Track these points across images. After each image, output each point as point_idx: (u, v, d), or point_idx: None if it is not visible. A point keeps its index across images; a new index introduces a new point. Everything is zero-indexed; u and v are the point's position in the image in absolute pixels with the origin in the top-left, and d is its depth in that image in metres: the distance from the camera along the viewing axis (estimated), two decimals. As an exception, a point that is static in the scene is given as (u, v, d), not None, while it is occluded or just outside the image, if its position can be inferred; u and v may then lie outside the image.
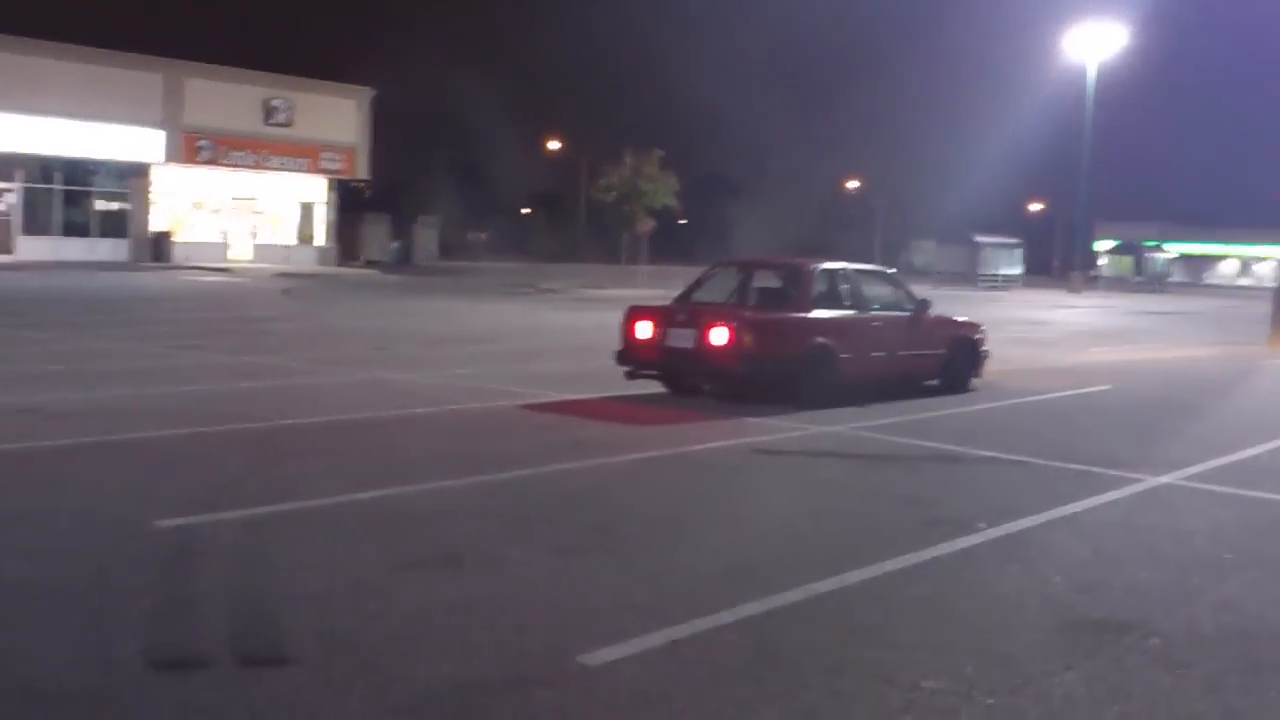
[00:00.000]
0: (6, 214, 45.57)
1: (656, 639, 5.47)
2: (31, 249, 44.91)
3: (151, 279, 38.45)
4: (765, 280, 15.04)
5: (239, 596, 5.98)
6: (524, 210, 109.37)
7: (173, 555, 6.63)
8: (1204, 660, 5.54)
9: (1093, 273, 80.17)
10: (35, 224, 46.39)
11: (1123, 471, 10.11)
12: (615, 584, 6.35)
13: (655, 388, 13.96)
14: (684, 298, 14.72)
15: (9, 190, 45.56)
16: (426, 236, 68.76)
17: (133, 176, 48.62)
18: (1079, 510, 8.62)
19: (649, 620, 5.71)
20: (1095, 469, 10.24)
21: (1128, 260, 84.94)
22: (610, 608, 5.94)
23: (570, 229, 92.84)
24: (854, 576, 6.61)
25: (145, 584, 6.08)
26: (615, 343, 14.12)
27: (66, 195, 47.55)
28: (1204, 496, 9.35)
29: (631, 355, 13.82)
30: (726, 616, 5.83)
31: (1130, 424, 13.44)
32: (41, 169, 46.23)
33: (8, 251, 44.55)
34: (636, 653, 5.30)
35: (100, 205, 48.85)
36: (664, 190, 54.50)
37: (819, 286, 14.29)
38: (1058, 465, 10.41)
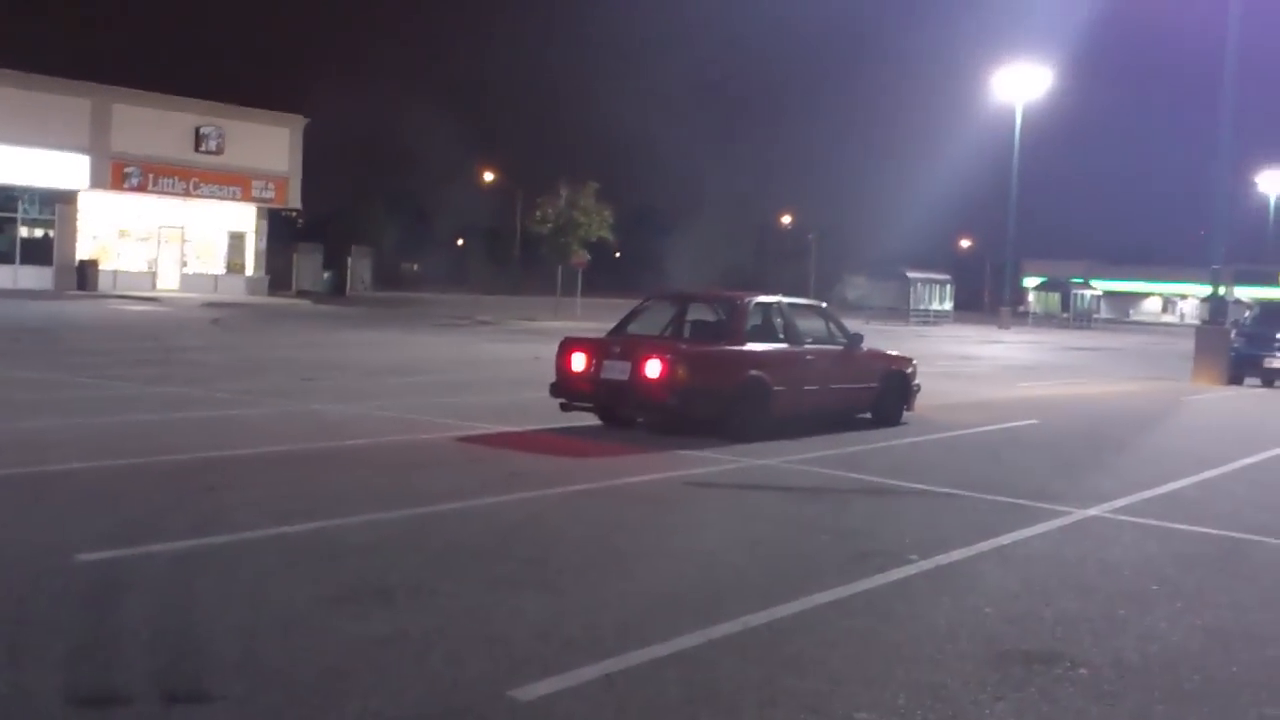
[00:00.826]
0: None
1: (590, 672, 5.43)
2: (-50, 277, 44.08)
3: (76, 308, 37.83)
4: (699, 313, 15.09)
5: (163, 631, 5.84)
6: (459, 241, 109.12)
7: (95, 589, 6.48)
8: (1131, 691, 5.60)
9: (1021, 309, 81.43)
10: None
11: (1052, 504, 10.23)
12: (548, 617, 6.30)
13: (590, 420, 13.93)
14: (618, 330, 14.73)
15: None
16: (360, 267, 68.46)
17: (58, 203, 47.89)
18: (1009, 542, 8.69)
19: (583, 653, 5.67)
20: (1025, 502, 10.34)
21: (1055, 297, 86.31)
22: (543, 641, 5.89)
23: (506, 260, 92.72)
24: (787, 609, 6.61)
25: (66, 619, 5.94)
26: (550, 375, 14.08)
27: (-12, 221, 46.71)
28: (1131, 529, 9.46)
29: (566, 387, 13.78)
30: (660, 649, 5.80)
31: (1058, 458, 13.60)
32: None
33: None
34: (570, 686, 5.26)
35: (24, 232, 48.00)
36: (599, 222, 54.48)
37: (752, 319, 14.36)
38: (988, 498, 10.51)
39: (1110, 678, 5.76)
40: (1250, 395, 24.64)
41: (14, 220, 47.63)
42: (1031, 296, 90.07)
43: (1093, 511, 10.03)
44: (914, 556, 7.99)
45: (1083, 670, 5.83)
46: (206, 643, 5.68)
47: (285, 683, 5.14)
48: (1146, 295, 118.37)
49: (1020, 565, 8.05)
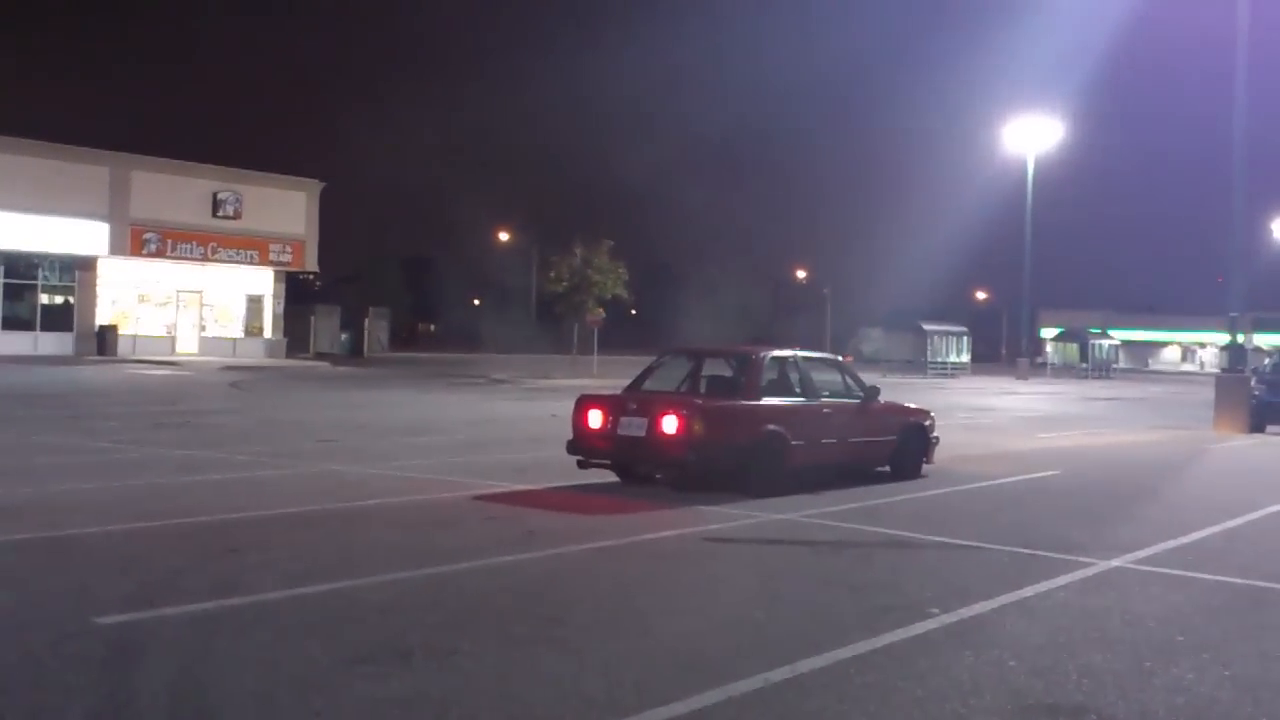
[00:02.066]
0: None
1: (609, 732, 5.38)
2: (-28, 343, 44.38)
3: (96, 373, 38.01)
4: (715, 368, 15.08)
5: (180, 694, 5.82)
6: (474, 301, 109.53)
7: (113, 653, 6.47)
8: (1160, 744, 5.51)
9: (1039, 359, 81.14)
10: (-25, 318, 45.83)
11: (1074, 555, 10.14)
12: (567, 676, 6.25)
13: (607, 477, 13.90)
14: (634, 386, 14.72)
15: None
16: (377, 328, 68.71)
17: (78, 269, 48.29)
18: (1032, 594, 8.61)
19: (602, 713, 5.62)
20: (1047, 553, 10.25)
21: (1073, 347, 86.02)
22: (562, 701, 5.84)
23: (521, 319, 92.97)
24: (808, 665, 6.54)
25: (84, 682, 5.92)
26: (566, 432, 14.07)
27: (9, 288, 47.10)
28: (1155, 579, 9.37)
29: (583, 444, 13.76)
30: (680, 708, 5.74)
31: (1080, 508, 13.49)
32: (-16, 261, 45.81)
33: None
34: (589, 746, 5.20)
35: (44, 299, 48.40)
36: (614, 280, 54.68)
37: (768, 374, 14.35)
38: (1010, 550, 10.42)
39: (1137, 731, 5.68)
40: (1272, 443, 24.45)
41: (34, 287, 48.02)
42: (1049, 347, 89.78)
43: (1116, 562, 9.94)
44: (935, 610, 7.91)
45: (1109, 723, 5.75)
46: (224, 707, 5.65)
47: (303, 746, 5.10)
48: (1165, 344, 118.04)
49: (1044, 617, 7.97)
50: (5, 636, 6.75)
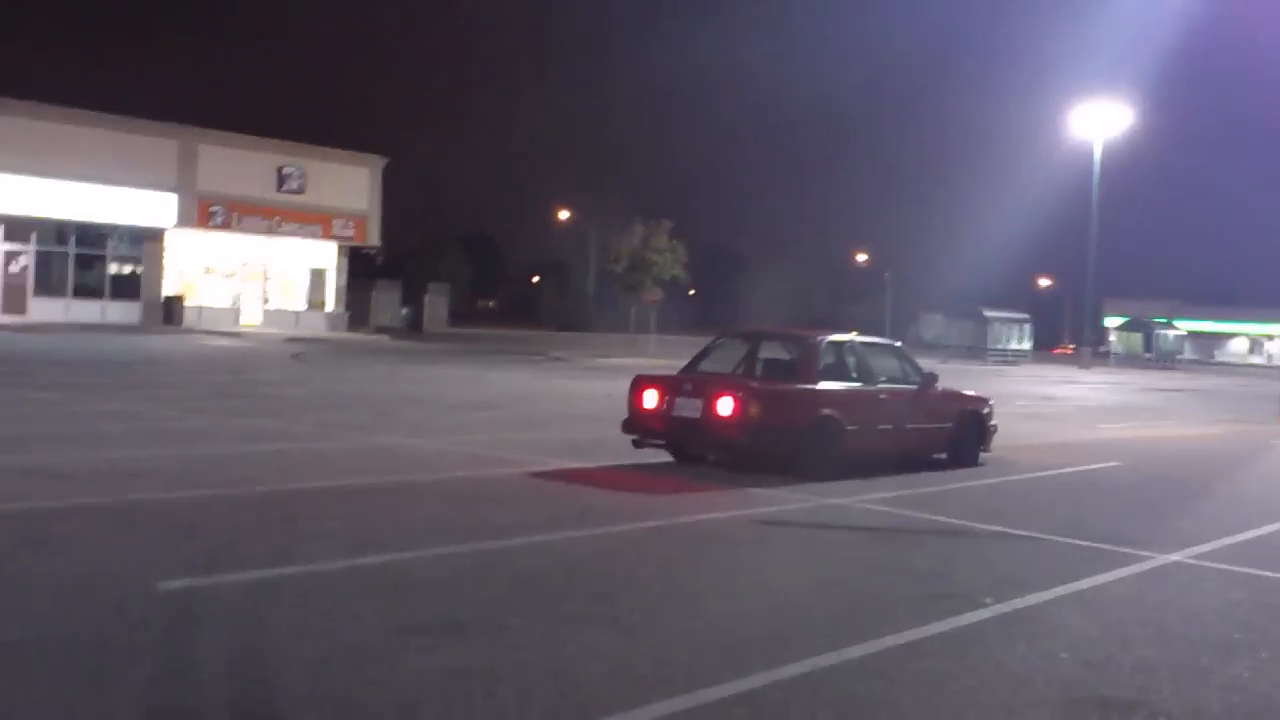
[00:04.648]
0: (20, 275, 45.86)
1: (658, 710, 5.41)
2: (44, 310, 45.17)
3: (162, 342, 38.56)
4: (771, 351, 15.04)
5: (239, 660, 5.92)
6: (533, 279, 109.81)
7: (174, 617, 6.59)
8: (1213, 740, 5.46)
9: (1102, 349, 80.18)
10: (48, 286, 46.63)
11: (1133, 549, 10.04)
12: (617, 653, 6.29)
13: (662, 456, 13.93)
14: (691, 367, 14.73)
15: (23, 252, 45.88)
16: (436, 304, 69.06)
17: (146, 240, 48.93)
18: (1088, 587, 8.54)
19: (651, 692, 5.65)
20: (1105, 545, 10.16)
21: (1137, 337, 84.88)
22: (612, 678, 5.88)
23: (579, 297, 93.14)
24: (857, 650, 6.54)
25: (146, 646, 6.04)
26: (622, 411, 14.11)
27: (80, 258, 47.80)
28: (1214, 575, 9.26)
29: (638, 424, 13.80)
30: (729, 689, 5.76)
31: (1140, 501, 13.36)
32: (56, 231, 46.56)
33: (21, 312, 44.76)
34: (638, 723, 5.23)
35: (113, 268, 49.13)
36: (672, 261, 54.67)
37: (825, 358, 14.29)
38: (1067, 541, 10.34)
39: (1190, 726, 5.63)
40: (1339, 439, 24.05)
41: (104, 257, 48.73)
42: (1113, 336, 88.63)
43: (1175, 557, 9.83)
44: (989, 599, 7.87)
45: (1162, 719, 5.71)
46: (281, 672, 5.74)
47: (354, 713, 5.18)
48: (1232, 336, 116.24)
49: (1099, 610, 7.91)
50: (71, 600, 6.86)
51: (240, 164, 51.08)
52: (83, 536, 8.64)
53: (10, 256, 45.78)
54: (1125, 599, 8.30)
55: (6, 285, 45.53)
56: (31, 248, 46.10)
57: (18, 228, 45.23)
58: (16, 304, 45.31)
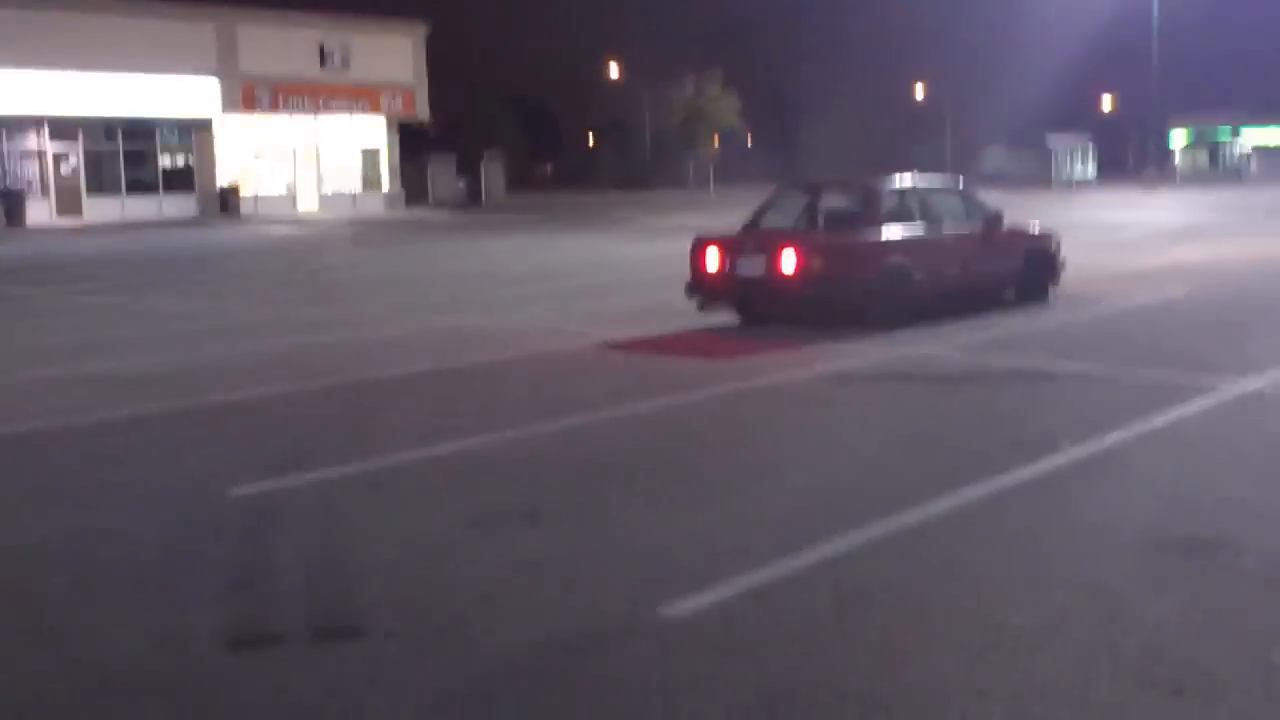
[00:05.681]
0: (72, 176, 45.98)
1: (740, 584, 5.39)
2: (99, 210, 45.32)
3: (220, 235, 38.70)
4: (832, 202, 14.77)
5: (315, 566, 5.92)
6: (589, 140, 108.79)
7: (249, 524, 6.60)
8: (1306, 580, 5.36)
9: (1166, 168, 78.25)
10: (100, 185, 46.59)
11: (1211, 379, 9.83)
12: (696, 529, 6.27)
13: (730, 318, 13.83)
14: (751, 224, 14.53)
15: (71, 153, 45.84)
16: (493, 173, 68.62)
17: (195, 130, 48.75)
18: (1166, 424, 8.38)
19: (731, 566, 5.63)
20: (1180, 378, 9.96)
21: (1203, 153, 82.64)
22: (691, 554, 5.86)
23: (637, 156, 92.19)
24: (939, 506, 6.48)
25: (220, 557, 6.05)
26: (686, 273, 13.98)
27: (129, 154, 47.65)
28: (1297, 401, 9.07)
29: (701, 286, 13.68)
30: (810, 556, 5.74)
31: (1212, 328, 13.09)
32: (102, 129, 46.38)
33: (76, 213, 45.02)
34: (720, 600, 5.22)
35: (164, 162, 48.96)
36: (727, 110, 53.89)
37: (887, 205, 14.01)
38: (1142, 374, 10.17)
39: (1278, 566, 5.54)
40: None
41: (153, 151, 48.48)
42: (1178, 155, 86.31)
43: (1255, 384, 9.63)
44: (1067, 443, 7.76)
45: (1248, 558, 5.61)
46: (356, 576, 5.74)
47: (433, 614, 5.18)
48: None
49: (1179, 447, 7.78)
50: (142, 512, 6.89)
51: (281, 43, 50.52)
52: (154, 444, 8.69)
53: (59, 158, 45.83)
54: (1204, 434, 8.16)
55: (59, 187, 45.64)
56: (79, 146, 45.96)
57: (62, 127, 45.07)
58: (71, 205, 45.42)
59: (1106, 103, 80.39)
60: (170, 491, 7.31)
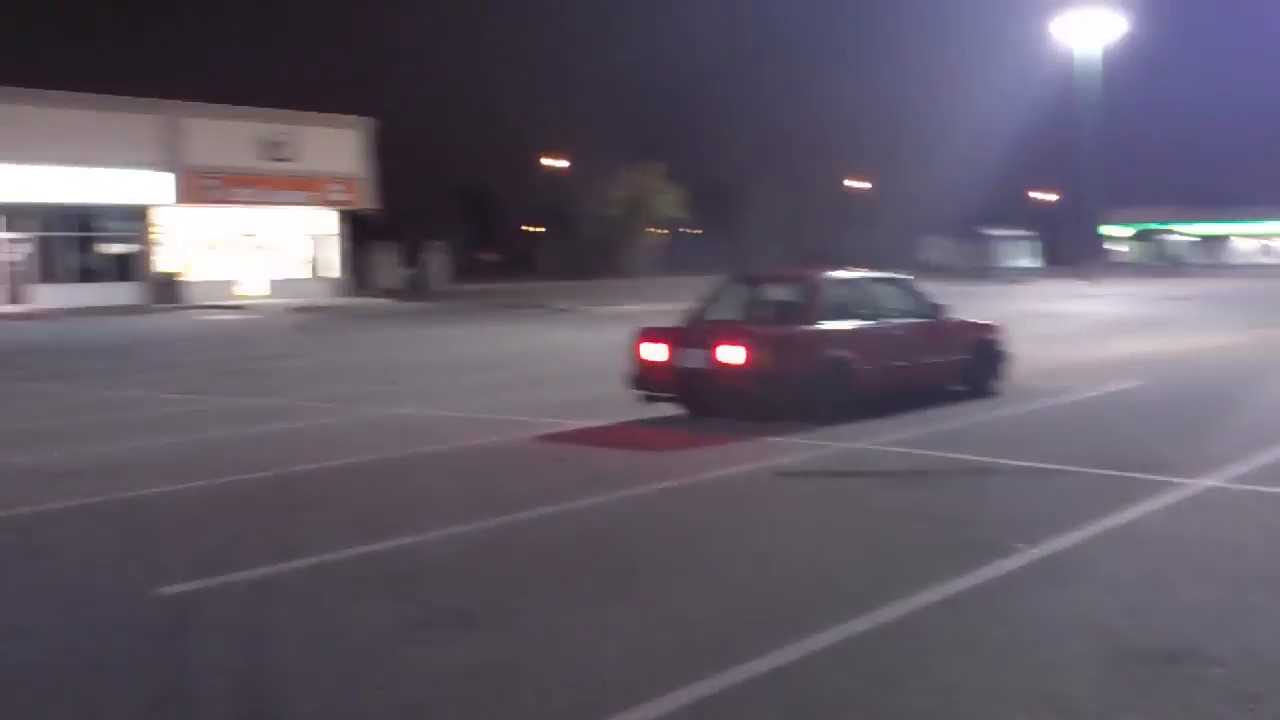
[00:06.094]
0: (21, 264, 45.59)
1: (683, 697, 5.14)
2: (48, 297, 44.77)
3: (165, 321, 38.23)
4: (777, 294, 14.67)
5: (243, 670, 5.64)
6: (530, 230, 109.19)
7: (175, 626, 6.30)
8: (1275, 692, 5.15)
9: (1107, 260, 79.42)
10: (50, 272, 46.34)
11: (1166, 476, 9.69)
12: (637, 634, 6.01)
13: (672, 409, 13.61)
14: (695, 315, 14.38)
15: (22, 240, 45.60)
16: (438, 261, 68.50)
17: (142, 219, 48.54)
18: (1120, 523, 8.22)
19: (674, 676, 5.36)
20: (1134, 474, 9.82)
21: (1143, 246, 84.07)
22: (632, 663, 5.60)
23: (579, 245, 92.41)
24: (889, 612, 6.25)
25: (144, 660, 5.77)
26: (628, 364, 13.78)
27: (79, 242, 47.59)
28: (1254, 500, 8.95)
29: (645, 378, 13.49)
30: (758, 666, 5.49)
31: (1168, 423, 13.02)
32: (53, 217, 46.20)
33: (25, 301, 44.53)
34: (663, 714, 4.96)
35: (113, 250, 48.74)
36: (668, 202, 54.22)
37: (831, 297, 13.92)
38: (1094, 472, 10.02)
39: (1248, 676, 5.33)
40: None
41: (102, 239, 48.40)
42: (1121, 246, 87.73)
43: (1211, 482, 9.50)
44: (1020, 545, 7.56)
45: (1216, 669, 5.41)
46: (286, 681, 5.46)
47: (366, 725, 4.89)
48: (1238, 237, 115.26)
49: (1136, 548, 7.60)
50: (68, 611, 6.62)
51: (228, 135, 50.50)
52: (83, 541, 8.37)
53: (11, 245, 45.49)
54: (1162, 534, 8.00)
55: (13, 274, 45.24)
56: (31, 235, 45.79)
57: (15, 215, 44.97)
58: (19, 292, 45.07)
59: (1045, 195, 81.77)
60: (98, 590, 7.02)
